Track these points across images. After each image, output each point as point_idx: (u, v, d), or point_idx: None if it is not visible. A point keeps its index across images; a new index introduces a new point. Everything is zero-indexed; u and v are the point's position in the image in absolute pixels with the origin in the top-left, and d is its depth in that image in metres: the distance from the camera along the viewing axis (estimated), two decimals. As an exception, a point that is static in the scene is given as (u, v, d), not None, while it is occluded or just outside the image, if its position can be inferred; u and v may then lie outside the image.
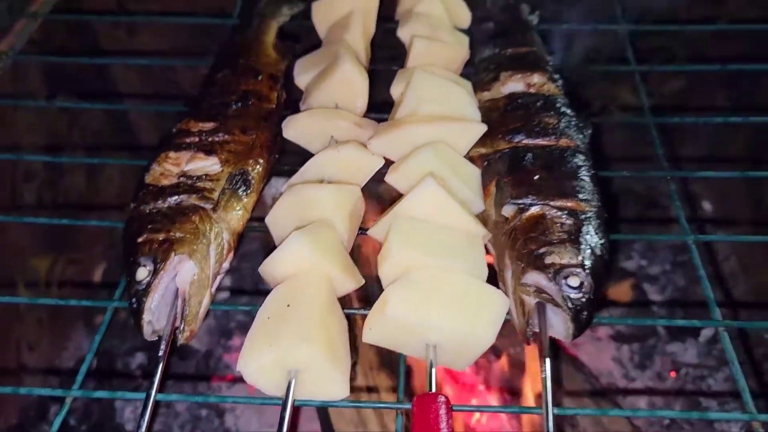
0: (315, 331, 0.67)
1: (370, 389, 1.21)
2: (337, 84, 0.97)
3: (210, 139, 0.90)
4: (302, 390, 0.69)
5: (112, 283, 1.69)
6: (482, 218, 0.86)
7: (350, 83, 0.97)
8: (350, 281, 0.78)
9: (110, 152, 1.70)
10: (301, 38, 1.17)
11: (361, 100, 0.98)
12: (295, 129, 0.94)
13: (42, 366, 1.46)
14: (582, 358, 1.54)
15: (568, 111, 0.94)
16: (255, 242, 1.65)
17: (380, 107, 1.03)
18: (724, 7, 1.48)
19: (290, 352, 0.66)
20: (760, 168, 1.09)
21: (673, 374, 1.55)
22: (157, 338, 0.76)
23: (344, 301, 0.79)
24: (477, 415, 1.33)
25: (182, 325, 0.75)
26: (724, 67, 1.12)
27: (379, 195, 1.27)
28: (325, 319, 0.70)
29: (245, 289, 1.65)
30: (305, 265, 0.74)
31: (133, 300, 0.75)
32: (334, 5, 1.13)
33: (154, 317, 0.75)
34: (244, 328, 1.60)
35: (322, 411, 1.22)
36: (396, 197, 0.87)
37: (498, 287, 0.78)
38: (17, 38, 1.24)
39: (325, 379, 0.68)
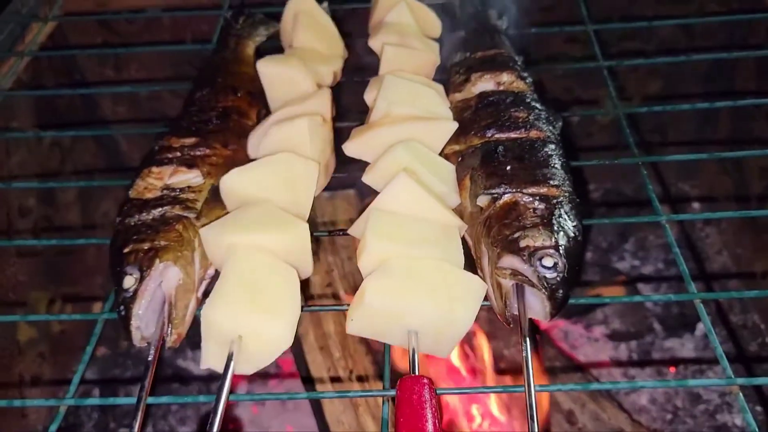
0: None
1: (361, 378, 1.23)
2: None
3: (192, 153, 0.93)
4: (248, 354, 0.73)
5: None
6: (459, 212, 0.89)
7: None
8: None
9: (103, 186, 1.74)
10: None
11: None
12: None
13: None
14: (580, 360, 1.55)
15: (538, 105, 0.97)
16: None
17: (356, 116, 1.06)
18: (691, 5, 1.51)
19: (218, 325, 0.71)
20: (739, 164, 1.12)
21: (672, 369, 1.56)
22: (146, 344, 0.78)
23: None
24: (478, 419, 1.34)
25: (169, 329, 0.77)
26: (689, 58, 1.15)
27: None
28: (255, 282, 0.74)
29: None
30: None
31: (121, 307, 0.77)
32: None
33: (143, 323, 0.77)
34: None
35: (321, 422, 1.22)
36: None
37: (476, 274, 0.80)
38: (5, 77, 1.28)
39: (265, 333, 0.72)
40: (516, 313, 0.76)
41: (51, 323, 1.52)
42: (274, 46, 1.20)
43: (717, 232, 1.80)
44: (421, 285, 0.74)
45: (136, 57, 1.59)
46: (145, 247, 0.80)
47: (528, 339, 0.73)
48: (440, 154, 0.95)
